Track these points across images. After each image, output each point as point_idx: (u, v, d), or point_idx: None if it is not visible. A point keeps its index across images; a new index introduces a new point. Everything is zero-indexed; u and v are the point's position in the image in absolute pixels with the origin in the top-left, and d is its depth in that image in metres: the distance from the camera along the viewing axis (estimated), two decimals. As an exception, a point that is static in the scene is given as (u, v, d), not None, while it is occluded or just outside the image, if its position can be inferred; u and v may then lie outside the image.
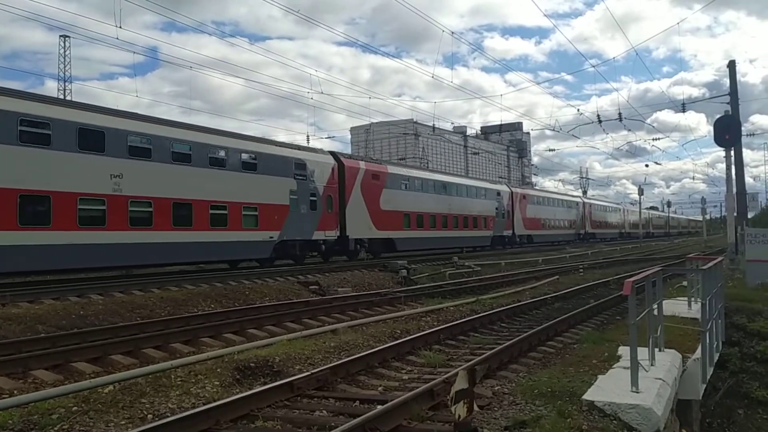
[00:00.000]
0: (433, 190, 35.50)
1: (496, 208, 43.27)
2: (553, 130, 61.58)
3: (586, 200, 67.63)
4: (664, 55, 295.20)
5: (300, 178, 24.55)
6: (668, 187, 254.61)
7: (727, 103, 23.67)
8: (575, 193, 79.70)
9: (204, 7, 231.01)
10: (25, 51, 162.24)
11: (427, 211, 34.23)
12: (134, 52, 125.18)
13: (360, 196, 28.38)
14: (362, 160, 31.43)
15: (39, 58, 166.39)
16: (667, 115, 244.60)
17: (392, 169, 33.18)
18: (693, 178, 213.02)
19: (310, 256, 26.38)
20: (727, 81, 25.05)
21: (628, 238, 71.71)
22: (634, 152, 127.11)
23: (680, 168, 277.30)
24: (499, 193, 44.63)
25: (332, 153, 28.47)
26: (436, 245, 35.76)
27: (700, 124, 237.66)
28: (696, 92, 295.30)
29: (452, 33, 46.25)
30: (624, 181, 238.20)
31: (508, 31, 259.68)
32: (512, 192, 47.38)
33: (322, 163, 26.51)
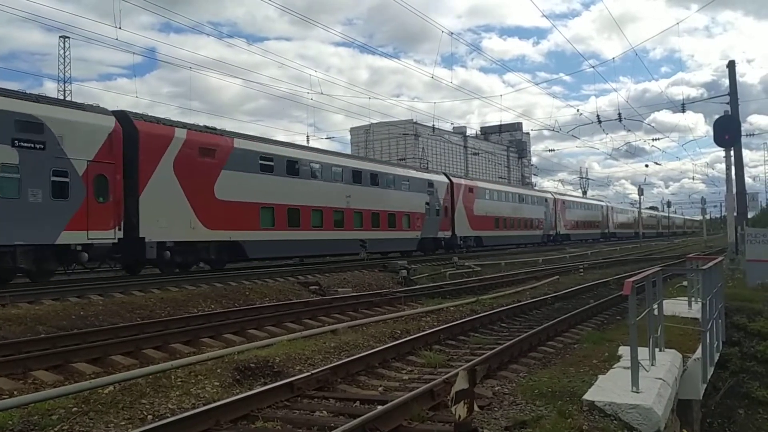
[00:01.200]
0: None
1: (427, 203, 34.66)
2: (553, 130, 61.43)
3: (558, 196, 57.82)
4: (660, 56, 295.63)
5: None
6: (667, 187, 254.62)
7: (727, 103, 23.68)
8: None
9: (200, 8, 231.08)
10: (22, 52, 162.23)
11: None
12: (134, 53, 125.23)
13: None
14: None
15: (37, 58, 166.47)
16: (665, 116, 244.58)
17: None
18: (693, 179, 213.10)
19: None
20: (725, 81, 25.09)
21: (613, 240, 66.11)
22: (633, 152, 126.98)
23: (679, 168, 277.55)
24: (431, 184, 35.81)
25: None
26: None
27: (698, 124, 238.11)
28: (694, 92, 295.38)
29: (451, 33, 46.26)
30: (623, 181, 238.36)
31: (506, 32, 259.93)
32: (452, 183, 38.30)
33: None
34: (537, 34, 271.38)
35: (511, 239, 44.91)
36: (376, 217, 29.87)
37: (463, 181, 41.11)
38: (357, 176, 29.00)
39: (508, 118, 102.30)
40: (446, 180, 37.97)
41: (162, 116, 21.14)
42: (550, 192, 60.32)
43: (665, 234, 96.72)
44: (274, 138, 29.42)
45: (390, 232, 31.05)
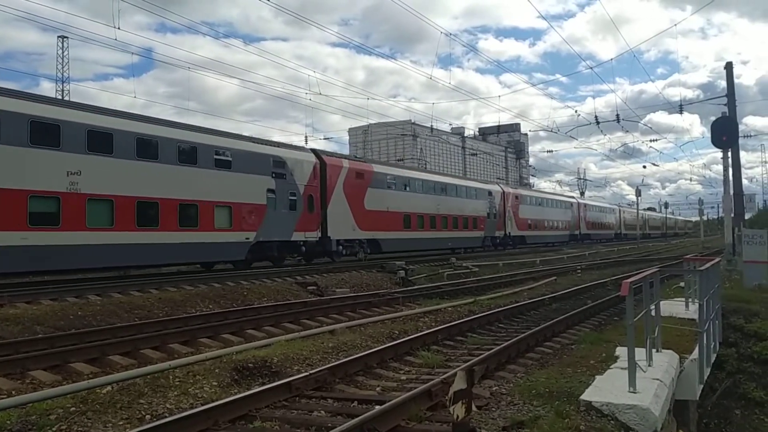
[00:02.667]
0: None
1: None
2: (551, 131, 61.54)
3: (510, 189, 49.23)
4: (655, 57, 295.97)
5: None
6: (664, 188, 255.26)
7: (724, 105, 23.73)
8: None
9: (194, 8, 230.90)
10: (18, 52, 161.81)
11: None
12: (132, 53, 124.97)
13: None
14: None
15: (33, 59, 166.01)
16: (660, 117, 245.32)
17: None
18: (690, 180, 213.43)
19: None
20: (721, 83, 25.25)
21: (587, 241, 61.90)
22: (631, 153, 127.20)
23: (676, 169, 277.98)
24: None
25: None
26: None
27: (694, 125, 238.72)
28: (690, 93, 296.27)
29: (450, 34, 46.30)
30: (620, 182, 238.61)
31: (503, 33, 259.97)
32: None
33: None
34: (533, 35, 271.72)
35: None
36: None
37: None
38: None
39: (504, 118, 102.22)
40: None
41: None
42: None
43: (653, 236, 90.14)
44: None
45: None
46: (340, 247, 27.07)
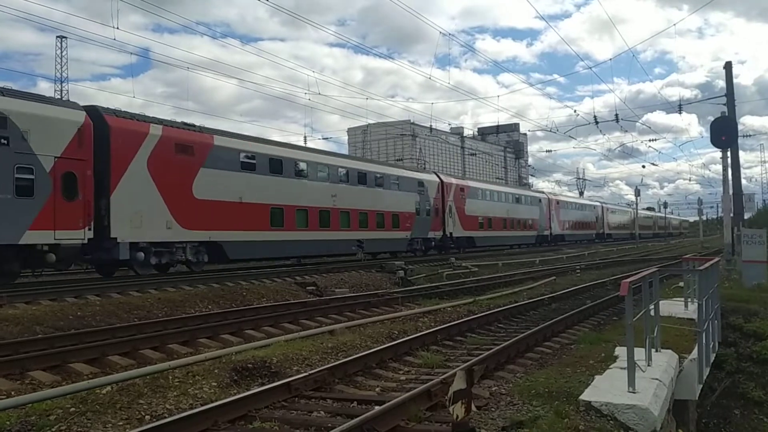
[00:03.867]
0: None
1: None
2: (549, 130, 61.34)
3: (447, 179, 39.07)
4: (651, 57, 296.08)
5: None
6: (662, 188, 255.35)
7: (723, 105, 23.74)
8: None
9: (190, 8, 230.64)
10: (15, 52, 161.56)
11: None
12: (131, 53, 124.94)
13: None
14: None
15: (30, 59, 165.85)
16: (658, 116, 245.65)
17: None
18: (690, 180, 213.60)
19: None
20: (719, 82, 25.43)
21: (560, 243, 53.57)
22: (630, 153, 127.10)
23: (674, 169, 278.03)
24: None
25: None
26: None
27: (692, 124, 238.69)
28: (688, 93, 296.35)
29: (450, 34, 46.32)
30: (618, 182, 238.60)
31: (500, 33, 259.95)
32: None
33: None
34: (530, 36, 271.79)
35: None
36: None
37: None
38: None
39: (502, 118, 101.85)
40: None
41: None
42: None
43: (645, 237, 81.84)
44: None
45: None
46: (140, 254, 18.42)
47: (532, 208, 50.07)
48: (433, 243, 35.31)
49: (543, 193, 53.72)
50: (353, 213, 28.21)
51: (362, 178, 29.52)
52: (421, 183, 34.59)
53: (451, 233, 36.63)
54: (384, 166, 36.34)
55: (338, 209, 27.09)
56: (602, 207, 72.10)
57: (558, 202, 55.07)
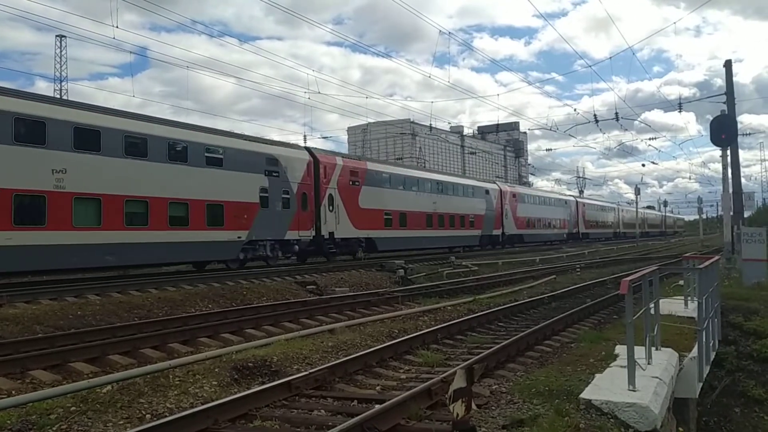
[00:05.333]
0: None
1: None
2: (549, 129, 61.37)
3: (369, 165, 31.53)
4: (648, 56, 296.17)
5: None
6: (661, 186, 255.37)
7: (723, 103, 23.71)
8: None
9: (186, 8, 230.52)
10: (13, 51, 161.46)
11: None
12: (131, 52, 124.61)
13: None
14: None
15: (27, 58, 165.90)
16: (656, 115, 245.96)
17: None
18: (690, 178, 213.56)
19: None
20: (717, 81, 25.40)
21: (517, 245, 46.54)
22: (629, 152, 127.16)
23: (673, 167, 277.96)
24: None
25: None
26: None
27: (690, 123, 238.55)
28: (686, 92, 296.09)
29: (449, 33, 46.27)
30: (617, 180, 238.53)
31: (498, 32, 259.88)
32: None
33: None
34: (528, 34, 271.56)
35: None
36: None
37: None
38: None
39: (501, 117, 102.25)
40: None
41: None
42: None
43: (629, 236, 74.80)
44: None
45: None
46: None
47: (476, 201, 40.96)
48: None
49: (495, 183, 47.68)
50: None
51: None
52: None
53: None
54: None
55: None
56: (577, 202, 65.67)
57: (515, 195, 48.46)
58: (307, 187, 25.11)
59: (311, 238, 25.26)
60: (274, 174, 23.30)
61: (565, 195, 69.81)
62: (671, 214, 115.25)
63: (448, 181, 38.90)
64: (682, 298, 12.59)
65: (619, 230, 77.17)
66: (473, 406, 5.21)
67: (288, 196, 24.00)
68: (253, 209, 22.19)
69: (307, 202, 25.03)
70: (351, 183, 28.13)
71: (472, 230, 39.92)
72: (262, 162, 22.86)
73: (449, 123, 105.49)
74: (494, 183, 48.03)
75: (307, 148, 27.29)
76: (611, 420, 5.52)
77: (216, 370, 7.56)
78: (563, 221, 59.40)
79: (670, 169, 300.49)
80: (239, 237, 21.53)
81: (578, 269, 27.60)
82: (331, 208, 26.63)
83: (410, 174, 35.25)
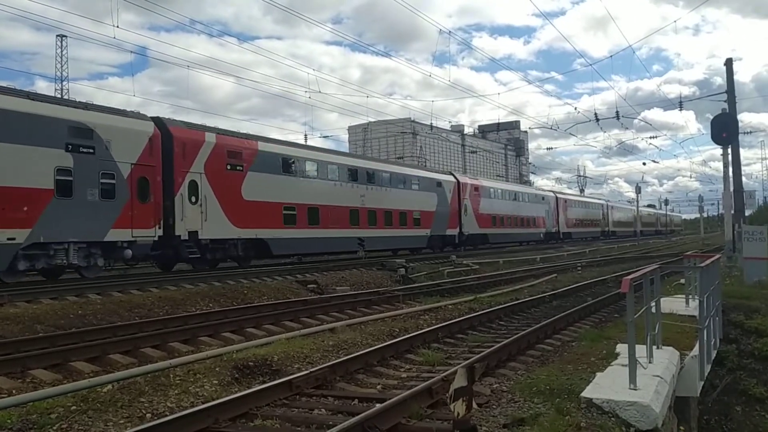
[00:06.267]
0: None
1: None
2: (550, 128, 61.13)
3: (261, 146, 24.61)
4: (647, 54, 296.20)
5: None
6: (662, 185, 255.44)
7: (723, 101, 23.69)
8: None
9: (182, 7, 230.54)
10: (12, 51, 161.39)
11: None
12: (131, 51, 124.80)
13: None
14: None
15: (26, 58, 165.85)
16: (655, 114, 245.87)
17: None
18: (690, 176, 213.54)
19: None
20: (717, 79, 25.36)
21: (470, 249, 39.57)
22: (629, 150, 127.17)
23: (673, 166, 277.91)
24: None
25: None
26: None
27: (690, 121, 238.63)
28: (686, 90, 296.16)
29: (449, 31, 46.20)
30: (617, 179, 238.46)
31: (497, 31, 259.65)
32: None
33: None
34: (527, 33, 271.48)
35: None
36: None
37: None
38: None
39: (500, 116, 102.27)
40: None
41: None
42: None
43: (619, 235, 73.21)
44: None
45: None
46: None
47: (422, 194, 35.10)
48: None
49: (451, 174, 41.04)
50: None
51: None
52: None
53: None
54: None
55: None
56: (557, 198, 59.25)
57: (477, 188, 41.88)
58: (149, 171, 18.80)
59: (155, 239, 18.86)
60: (85, 149, 17.11)
61: (543, 190, 62.53)
62: (666, 212, 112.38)
63: (381, 170, 31.94)
64: (683, 296, 12.59)
65: (607, 229, 71.94)
66: (474, 405, 5.20)
67: (112, 181, 17.76)
68: (40, 198, 15.99)
69: (150, 191, 18.72)
70: (230, 167, 21.80)
71: (418, 229, 33.51)
72: (62, 132, 16.60)
73: (450, 122, 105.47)
74: (450, 174, 40.96)
75: (155, 118, 19.98)
76: (612, 419, 5.52)
77: (217, 369, 7.55)
78: (540, 219, 52.96)
79: (671, 167, 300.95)
80: (11, 239, 15.32)
81: (579, 268, 27.60)
82: (193, 199, 20.19)
83: (325, 159, 28.02)
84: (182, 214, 19.67)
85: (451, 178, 39.27)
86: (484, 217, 41.42)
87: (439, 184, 36.71)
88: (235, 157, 22.18)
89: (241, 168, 22.36)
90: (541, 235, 53.31)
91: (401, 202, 32.47)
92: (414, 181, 34.63)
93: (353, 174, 29.14)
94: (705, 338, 8.89)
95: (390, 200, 31.56)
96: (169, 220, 19.36)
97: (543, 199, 55.68)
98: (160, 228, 18.93)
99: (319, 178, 26.68)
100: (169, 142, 19.63)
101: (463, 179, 40.60)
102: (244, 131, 24.88)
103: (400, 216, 32.10)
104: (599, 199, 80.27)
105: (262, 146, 23.81)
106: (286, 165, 24.82)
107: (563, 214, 59.57)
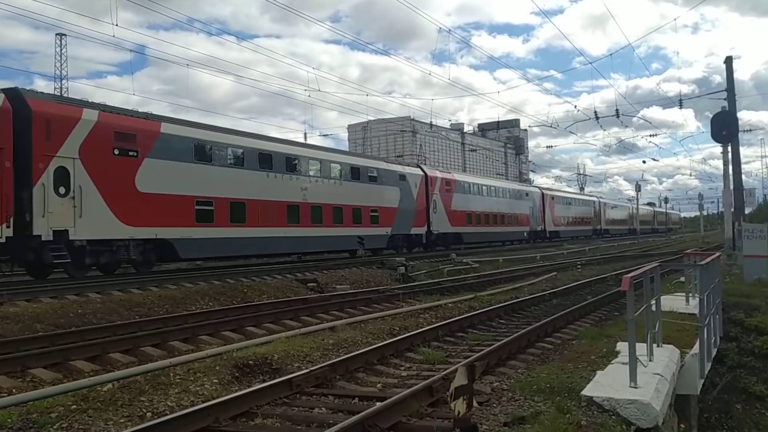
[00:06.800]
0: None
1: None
2: (550, 126, 61.09)
3: (164, 127, 19.95)
4: (645, 53, 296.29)
5: None
6: (661, 183, 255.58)
7: (723, 99, 23.68)
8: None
9: (180, 5, 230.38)
10: (11, 50, 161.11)
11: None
12: (130, 50, 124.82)
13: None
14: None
15: (26, 56, 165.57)
16: (654, 112, 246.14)
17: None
18: (690, 175, 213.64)
19: None
20: (716, 77, 25.36)
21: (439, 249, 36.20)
22: (629, 148, 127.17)
23: (673, 164, 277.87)
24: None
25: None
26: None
27: (689, 119, 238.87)
28: (685, 89, 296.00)
29: (448, 30, 46.19)
30: (617, 177, 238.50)
31: (496, 29, 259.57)
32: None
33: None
34: (526, 31, 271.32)
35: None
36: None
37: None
38: None
39: (500, 114, 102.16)
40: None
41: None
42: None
43: (613, 234, 70.91)
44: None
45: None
46: None
47: (382, 189, 31.11)
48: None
49: (419, 167, 36.93)
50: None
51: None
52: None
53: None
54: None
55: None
56: (543, 194, 56.07)
57: (449, 182, 38.44)
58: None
59: (2, 241, 15.03)
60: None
61: (528, 186, 59.86)
62: (663, 210, 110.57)
63: (329, 160, 27.97)
64: (684, 294, 12.59)
65: (599, 227, 68.96)
66: (474, 404, 5.19)
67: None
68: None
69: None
70: (118, 152, 17.88)
71: (375, 228, 29.78)
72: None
73: (449, 120, 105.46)
74: (417, 167, 36.69)
75: (8, 89, 16.14)
76: (613, 417, 5.51)
77: (217, 368, 7.55)
78: (523, 217, 49.26)
79: (670, 165, 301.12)
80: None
81: (579, 266, 27.60)
82: (62, 190, 16.39)
83: (254, 145, 23.44)
84: (44, 208, 15.70)
85: (417, 171, 35.25)
86: (457, 214, 37.54)
87: (402, 177, 32.68)
88: (126, 140, 18.01)
89: (135, 153, 18.23)
90: (525, 234, 49.64)
91: (355, 197, 28.47)
92: (371, 173, 30.33)
93: (292, 164, 25.05)
94: (705, 336, 8.89)
95: (341, 195, 27.59)
96: (26, 217, 15.48)
97: (527, 195, 51.74)
98: (9, 227, 14.98)
99: (247, 168, 22.38)
100: (26, 119, 15.61)
101: (431, 173, 36.73)
102: (244, 130, 24.17)
103: (353, 213, 28.21)
104: (591, 195, 77.44)
105: (166, 128, 19.56)
106: (200, 151, 20.53)
107: (550, 212, 55.80)
